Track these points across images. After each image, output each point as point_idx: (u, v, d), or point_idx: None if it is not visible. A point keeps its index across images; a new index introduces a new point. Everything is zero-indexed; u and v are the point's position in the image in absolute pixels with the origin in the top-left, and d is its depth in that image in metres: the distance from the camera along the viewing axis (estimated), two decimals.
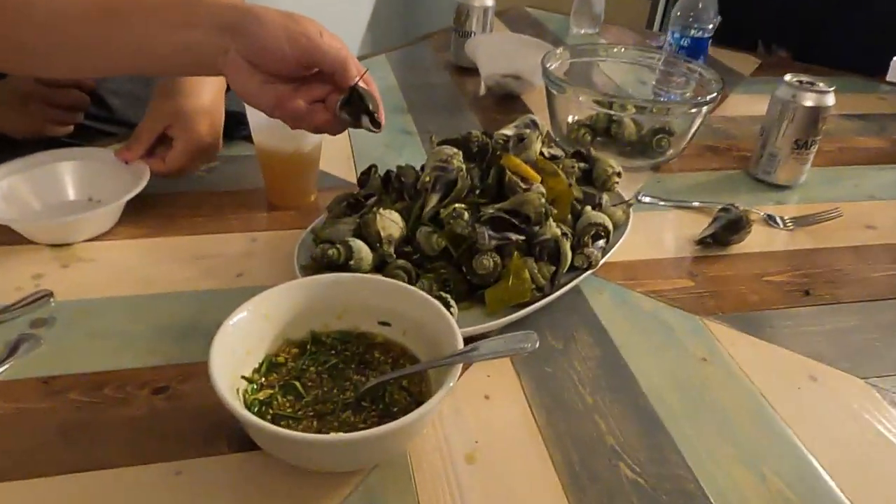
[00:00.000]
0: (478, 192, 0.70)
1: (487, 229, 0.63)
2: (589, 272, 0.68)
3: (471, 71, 1.26)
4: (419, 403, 0.50)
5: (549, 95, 0.97)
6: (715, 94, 0.90)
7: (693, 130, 0.94)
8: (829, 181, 0.96)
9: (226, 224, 0.77)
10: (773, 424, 0.56)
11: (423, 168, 0.72)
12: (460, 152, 0.72)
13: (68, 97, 0.90)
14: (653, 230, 0.82)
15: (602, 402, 0.56)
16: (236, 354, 0.50)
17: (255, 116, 0.76)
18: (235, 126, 0.93)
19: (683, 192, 0.91)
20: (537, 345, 0.47)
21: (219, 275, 0.68)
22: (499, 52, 1.15)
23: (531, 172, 0.71)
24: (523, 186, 0.68)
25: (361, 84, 0.62)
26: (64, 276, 0.67)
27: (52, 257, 0.69)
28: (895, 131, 1.15)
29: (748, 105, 1.22)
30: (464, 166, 0.69)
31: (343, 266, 0.62)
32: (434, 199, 0.68)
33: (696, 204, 0.87)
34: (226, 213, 0.79)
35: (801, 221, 0.84)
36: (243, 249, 0.73)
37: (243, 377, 0.50)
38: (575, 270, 0.67)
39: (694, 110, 0.90)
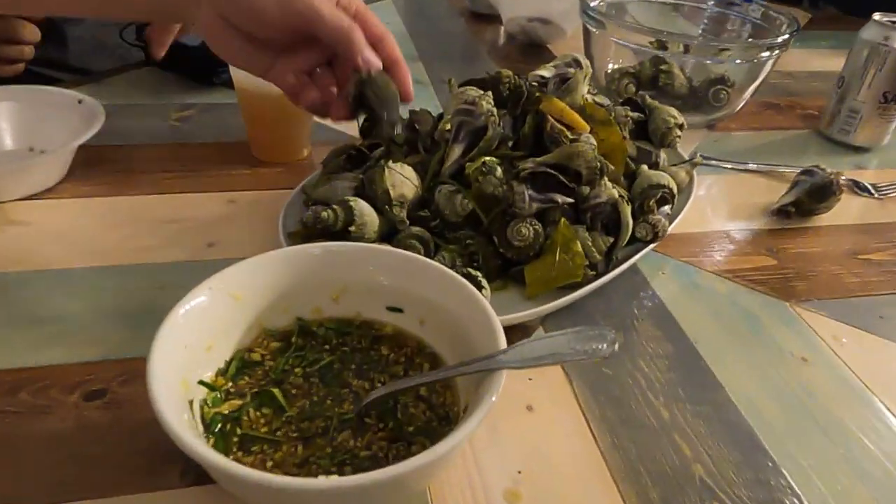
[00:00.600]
0: (511, 143, 0.56)
1: (527, 188, 0.49)
2: (653, 245, 0.54)
3: (489, 18, 1.11)
4: (443, 420, 0.37)
5: (587, 37, 0.82)
6: (787, 36, 0.75)
7: (757, 82, 0.79)
8: None
9: (199, 182, 0.63)
10: None
11: (439, 118, 0.58)
12: (489, 94, 0.57)
13: (18, 31, 0.76)
14: (718, 197, 0.68)
15: (682, 415, 0.43)
16: (192, 351, 0.36)
17: None
18: (214, 68, 0.79)
19: (746, 153, 0.77)
20: (617, 346, 0.33)
21: (186, 243, 0.54)
22: None
23: (579, 120, 0.56)
24: (570, 136, 0.54)
25: (376, 66, 0.48)
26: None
27: None
28: None
29: (806, 59, 1.08)
30: (494, 110, 0.55)
31: (341, 233, 0.48)
32: (457, 151, 0.54)
33: (763, 167, 0.73)
34: (200, 168, 0.65)
35: (889, 190, 0.70)
36: (219, 213, 0.59)
37: (202, 382, 0.36)
38: (636, 242, 0.53)
39: (766, 54, 0.75)
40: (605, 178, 0.52)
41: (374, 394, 0.37)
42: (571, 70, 0.62)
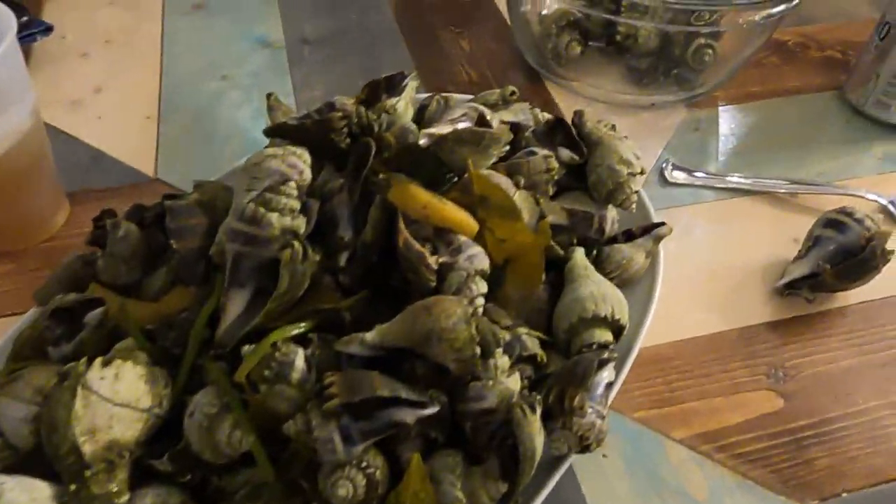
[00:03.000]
0: (343, 264, 0.32)
1: (338, 427, 0.26)
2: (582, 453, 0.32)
3: None
4: None
5: None
6: None
7: (758, 44, 0.53)
8: None
9: None
10: None
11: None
12: (305, 164, 0.33)
13: None
14: (690, 256, 0.45)
15: None
16: None
17: None
18: None
19: (741, 151, 0.53)
20: None
21: None
22: None
23: (456, 217, 0.32)
24: (433, 263, 0.30)
25: None
26: None
27: None
28: None
29: None
30: (302, 225, 0.30)
31: None
32: (238, 303, 0.30)
33: (768, 182, 0.49)
34: None
35: None
36: None
37: None
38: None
39: (775, 9, 0.48)
40: (496, 358, 0.29)
41: None
42: (464, 110, 0.36)
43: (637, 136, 0.52)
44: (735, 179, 0.49)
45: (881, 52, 0.52)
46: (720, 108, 0.56)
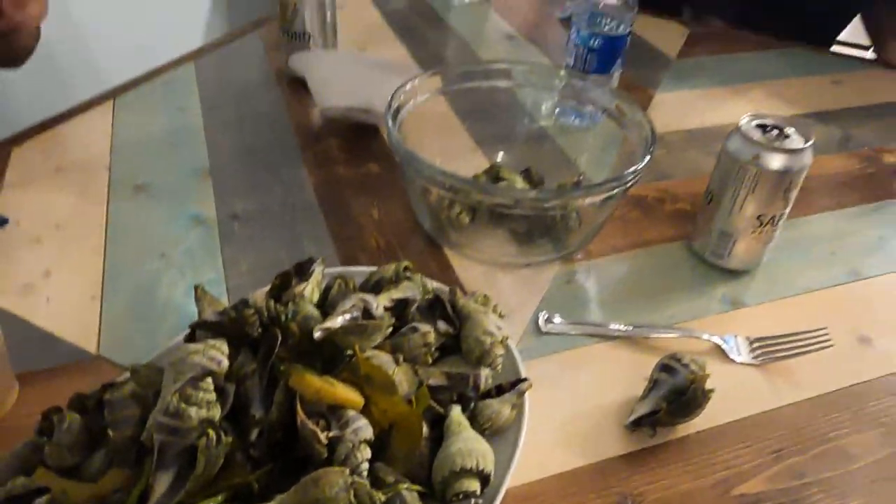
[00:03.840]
0: (253, 439, 0.39)
1: None
2: None
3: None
4: None
5: (402, 166, 0.65)
6: (645, 162, 0.60)
7: (611, 211, 0.65)
8: (797, 251, 0.69)
9: None
10: None
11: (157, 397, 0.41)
12: (223, 355, 0.41)
13: None
14: (559, 402, 0.53)
15: None
16: None
17: None
18: None
19: (606, 298, 0.63)
20: None
21: None
22: (341, 78, 0.81)
23: (345, 395, 0.40)
24: (324, 438, 0.38)
25: None
26: None
27: None
28: (863, 139, 0.89)
29: (678, 107, 0.94)
30: (217, 413, 0.38)
31: None
32: (164, 483, 0.37)
33: (627, 329, 0.59)
34: None
35: (770, 349, 0.58)
36: None
37: None
38: None
39: (603, 195, 0.59)
40: None
41: None
42: (356, 304, 0.45)
43: (517, 291, 0.63)
44: (599, 327, 0.59)
45: (709, 214, 0.64)
46: (589, 263, 0.67)
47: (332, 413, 0.40)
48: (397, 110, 0.66)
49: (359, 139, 0.82)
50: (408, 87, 0.68)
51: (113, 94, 0.89)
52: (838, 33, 1.20)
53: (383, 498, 0.37)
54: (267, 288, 0.50)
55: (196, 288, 0.49)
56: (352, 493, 0.35)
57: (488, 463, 0.42)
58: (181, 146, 0.80)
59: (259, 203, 0.72)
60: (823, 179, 0.81)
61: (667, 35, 1.14)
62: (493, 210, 0.66)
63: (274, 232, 0.68)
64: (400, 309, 0.49)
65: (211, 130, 0.83)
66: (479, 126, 0.78)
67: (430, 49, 1.07)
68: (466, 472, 0.41)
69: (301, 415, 0.38)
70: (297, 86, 0.91)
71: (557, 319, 0.60)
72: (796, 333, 0.58)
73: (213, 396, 0.38)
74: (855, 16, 1.17)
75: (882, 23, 1.12)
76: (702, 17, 1.23)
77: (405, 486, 0.40)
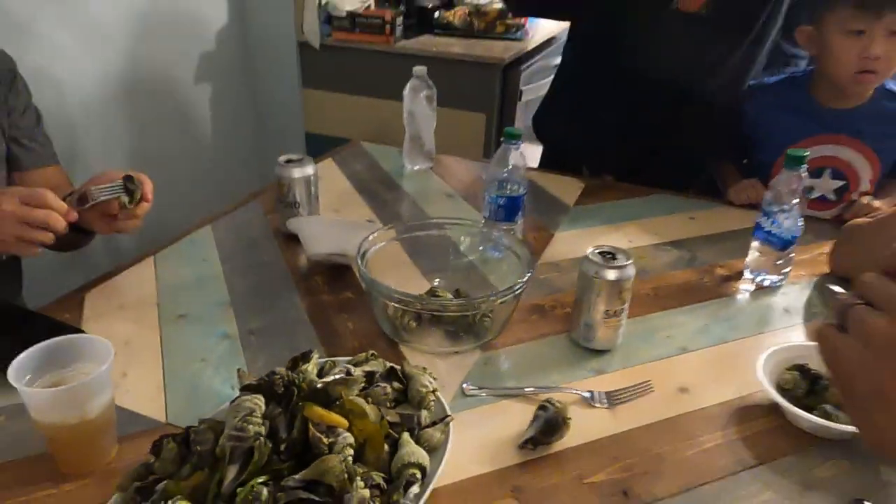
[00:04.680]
0: (283, 449, 0.66)
1: None
2: None
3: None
4: None
5: (368, 291, 0.96)
6: (522, 284, 0.92)
7: (511, 314, 0.96)
8: (645, 336, 1.00)
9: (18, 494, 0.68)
10: None
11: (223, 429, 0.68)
12: (261, 403, 0.69)
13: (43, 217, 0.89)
14: (477, 435, 0.81)
15: None
16: None
17: (32, 394, 0.69)
18: None
19: (511, 372, 0.92)
20: None
21: None
22: (323, 233, 1.13)
23: (337, 420, 0.68)
24: (326, 442, 0.66)
25: None
26: None
27: None
28: (705, 258, 1.23)
29: (573, 244, 1.27)
30: (263, 430, 0.66)
31: None
32: (232, 472, 0.64)
33: (524, 390, 0.87)
34: (18, 480, 0.70)
35: (617, 397, 0.87)
36: None
37: None
38: None
39: (506, 299, 0.91)
40: (358, 481, 0.63)
41: None
42: (340, 373, 0.74)
43: (449, 370, 0.91)
44: (504, 389, 0.88)
45: (577, 311, 0.95)
46: (500, 350, 0.96)
47: (330, 430, 0.67)
48: (364, 253, 0.98)
49: (337, 275, 1.13)
50: (370, 237, 1.00)
51: (154, 251, 1.20)
52: (695, 182, 1.59)
53: (360, 473, 0.64)
54: (285, 365, 0.78)
55: (238, 370, 0.77)
56: (343, 466, 0.62)
57: (425, 461, 0.69)
58: (208, 286, 1.10)
59: (267, 322, 1.01)
60: (672, 288, 1.14)
61: (567, 188, 1.51)
62: (431, 316, 0.96)
63: (279, 340, 0.97)
64: (369, 377, 0.77)
65: (228, 274, 1.14)
66: (422, 261, 1.11)
67: (388, 207, 1.41)
68: (412, 465, 0.68)
69: (312, 430, 0.66)
70: (289, 239, 1.24)
71: (476, 387, 0.88)
72: (633, 386, 0.88)
73: (259, 421, 0.66)
74: (706, 169, 1.57)
75: (722, 173, 1.52)
76: (596, 174, 1.62)
77: (375, 473, 0.67)
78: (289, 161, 1.22)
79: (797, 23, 1.39)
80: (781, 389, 0.84)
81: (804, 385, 0.85)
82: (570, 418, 0.79)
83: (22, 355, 0.70)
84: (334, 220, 1.26)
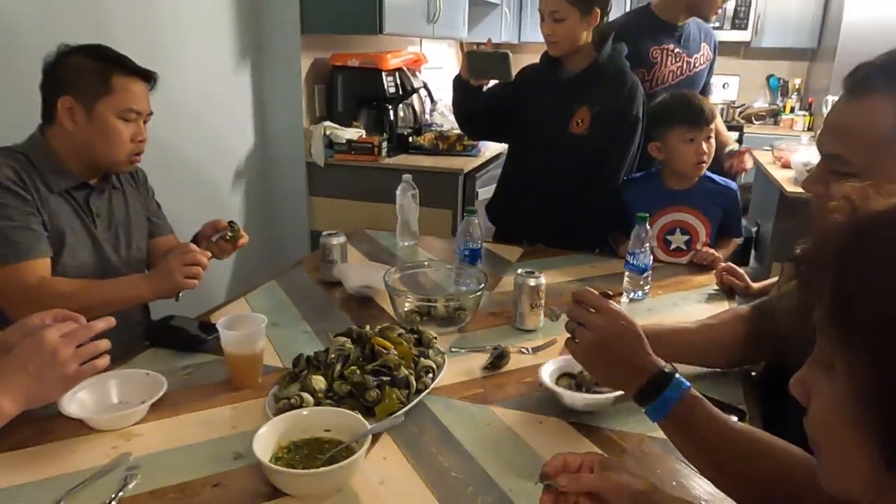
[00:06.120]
0: (360, 359, 1.30)
1: (371, 377, 1.23)
2: (426, 392, 1.28)
3: (334, 284, 1.89)
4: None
5: (391, 297, 1.62)
6: (482, 286, 1.60)
7: (477, 308, 1.63)
8: (555, 325, 1.66)
9: (211, 401, 1.29)
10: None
11: (327, 351, 1.31)
12: (348, 339, 1.33)
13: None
14: (460, 366, 1.45)
15: (445, 456, 1.15)
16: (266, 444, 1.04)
17: (225, 334, 1.31)
18: (196, 344, 1.47)
19: (478, 340, 1.57)
20: (402, 419, 1.06)
21: (219, 428, 1.20)
22: (356, 273, 1.80)
23: (388, 344, 1.32)
24: (384, 352, 1.30)
25: None
26: (130, 445, 1.15)
27: (116, 436, 1.17)
28: (598, 285, 1.91)
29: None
30: (352, 348, 1.30)
31: (298, 407, 1.17)
32: (339, 367, 1.27)
33: (486, 347, 1.52)
34: (210, 395, 1.31)
35: (538, 349, 1.52)
36: (229, 413, 1.25)
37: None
38: (419, 393, 1.27)
39: (474, 295, 1.58)
40: (402, 366, 1.27)
41: (329, 453, 1.06)
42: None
43: (442, 343, 1.56)
44: (475, 349, 1.53)
45: (514, 306, 1.62)
46: (471, 332, 1.62)
47: (384, 349, 1.31)
48: (386, 279, 1.64)
49: (365, 302, 1.78)
50: (389, 271, 1.67)
51: (242, 293, 1.83)
52: (600, 244, 2.32)
53: (403, 362, 1.28)
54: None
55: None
56: (398, 357, 1.26)
57: (434, 366, 1.33)
58: (285, 310, 1.73)
59: (326, 326, 1.64)
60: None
61: (511, 252, 2.22)
62: (429, 312, 1.61)
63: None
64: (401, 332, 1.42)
65: (295, 303, 1.77)
66: (417, 290, 1.77)
67: (391, 265, 2.09)
68: (428, 368, 1.31)
69: (377, 347, 1.30)
70: (328, 284, 1.89)
71: (458, 348, 1.52)
72: (545, 344, 1.54)
73: (351, 347, 1.30)
74: (607, 234, 2.30)
75: (615, 238, 2.25)
76: (531, 243, 2.34)
77: (409, 370, 1.30)
78: (329, 234, 1.90)
79: (649, 139, 2.17)
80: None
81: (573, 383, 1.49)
82: (511, 353, 1.44)
83: (222, 319, 1.33)
84: (361, 265, 1.93)
